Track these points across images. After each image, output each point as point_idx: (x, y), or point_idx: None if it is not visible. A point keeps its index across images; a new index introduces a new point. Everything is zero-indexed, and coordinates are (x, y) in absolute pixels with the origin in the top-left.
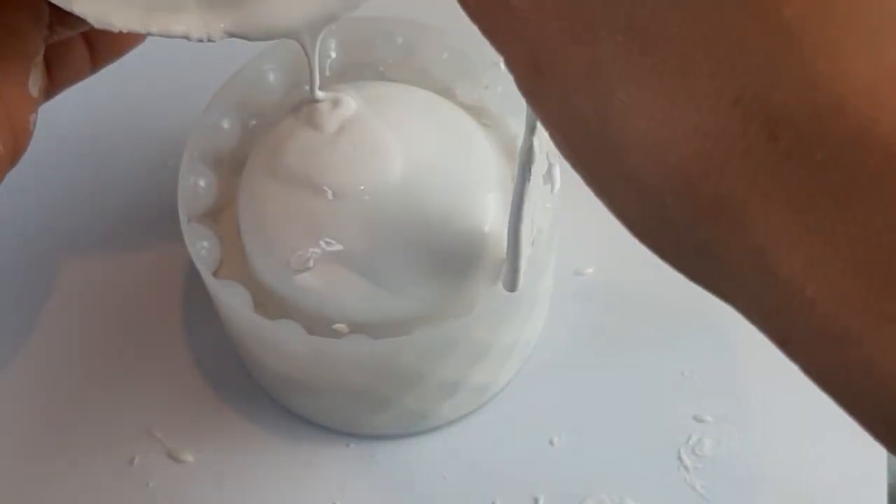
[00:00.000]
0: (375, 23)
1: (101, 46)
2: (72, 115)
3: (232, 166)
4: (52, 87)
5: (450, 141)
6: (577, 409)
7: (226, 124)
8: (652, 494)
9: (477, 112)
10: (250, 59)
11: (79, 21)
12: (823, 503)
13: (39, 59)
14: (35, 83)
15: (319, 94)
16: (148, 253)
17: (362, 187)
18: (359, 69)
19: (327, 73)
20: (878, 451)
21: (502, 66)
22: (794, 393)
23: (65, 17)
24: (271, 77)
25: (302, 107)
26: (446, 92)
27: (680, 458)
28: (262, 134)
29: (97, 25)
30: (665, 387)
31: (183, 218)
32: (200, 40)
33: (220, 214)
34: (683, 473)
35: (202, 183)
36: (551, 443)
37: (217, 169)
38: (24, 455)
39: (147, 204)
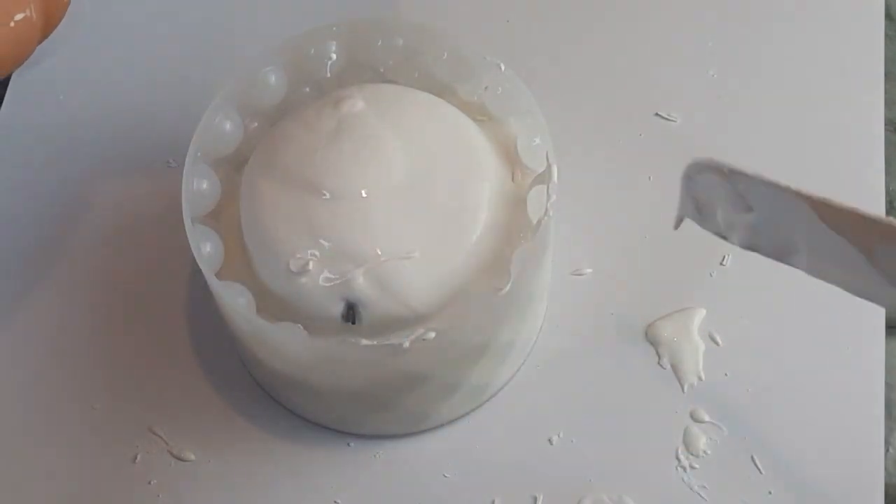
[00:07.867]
0: (376, 24)
1: None
2: (76, 116)
3: (234, 167)
4: None
5: (450, 141)
6: (575, 408)
7: (228, 125)
8: (650, 493)
9: (477, 112)
10: (251, 60)
11: None
12: (820, 502)
13: None
14: None
15: None
16: (151, 253)
17: (362, 188)
18: (359, 70)
19: (328, 74)
20: (876, 450)
21: (502, 66)
22: (790, 393)
23: None
24: (272, 78)
25: (303, 108)
26: (446, 92)
27: (677, 458)
28: (263, 135)
29: None
30: (663, 386)
31: (187, 219)
32: None
33: (222, 215)
34: (681, 473)
35: (205, 184)
36: (550, 442)
37: (220, 170)
38: (26, 452)
39: (150, 205)
